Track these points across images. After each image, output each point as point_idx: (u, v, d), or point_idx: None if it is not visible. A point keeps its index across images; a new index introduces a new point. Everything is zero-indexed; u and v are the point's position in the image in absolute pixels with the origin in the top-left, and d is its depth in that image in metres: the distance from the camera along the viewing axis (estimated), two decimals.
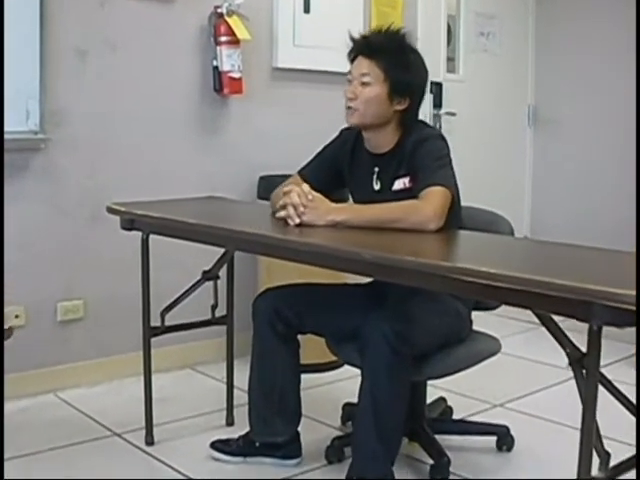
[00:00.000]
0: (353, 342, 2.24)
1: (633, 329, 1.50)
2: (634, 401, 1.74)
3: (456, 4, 4.74)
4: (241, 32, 3.47)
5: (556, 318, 1.68)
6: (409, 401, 2.25)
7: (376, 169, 2.40)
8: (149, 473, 2.51)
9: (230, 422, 2.89)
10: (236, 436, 2.62)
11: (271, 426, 2.51)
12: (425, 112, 4.38)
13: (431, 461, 2.50)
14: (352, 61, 2.37)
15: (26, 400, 3.05)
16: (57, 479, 2.42)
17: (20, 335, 3.06)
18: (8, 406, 2.79)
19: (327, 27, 3.78)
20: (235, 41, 3.47)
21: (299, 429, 2.55)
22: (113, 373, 3.31)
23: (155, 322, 2.66)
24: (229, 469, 2.54)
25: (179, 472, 2.51)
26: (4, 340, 2.69)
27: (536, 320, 1.71)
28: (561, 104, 5.04)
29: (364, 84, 2.30)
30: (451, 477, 2.45)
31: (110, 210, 2.61)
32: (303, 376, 2.55)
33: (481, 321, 2.56)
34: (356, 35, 2.37)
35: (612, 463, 1.63)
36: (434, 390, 2.85)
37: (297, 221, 2.18)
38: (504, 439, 2.68)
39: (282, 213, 2.22)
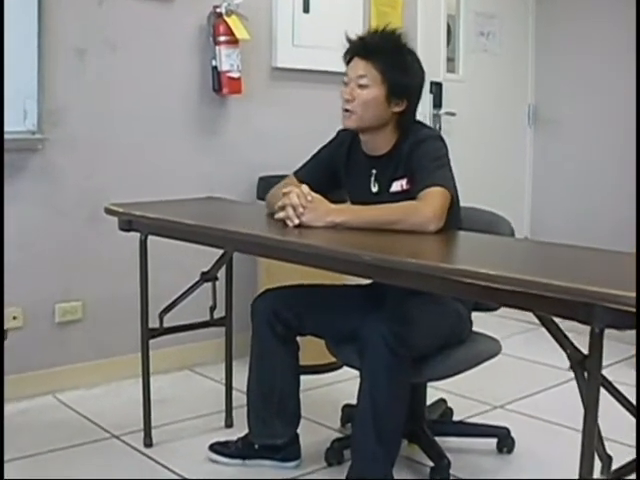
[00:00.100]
0: (352, 344, 2.23)
1: (633, 330, 1.49)
2: (634, 402, 1.73)
3: (456, 4, 4.73)
4: (240, 32, 3.46)
5: (556, 319, 1.67)
6: (409, 402, 2.24)
7: (374, 171, 2.38)
8: (147, 475, 2.50)
9: (229, 424, 2.88)
10: (235, 438, 2.61)
11: (270, 428, 2.50)
12: (425, 112, 4.37)
13: (431, 463, 2.48)
14: (348, 62, 2.35)
15: (24, 402, 3.04)
16: (56, 479, 2.42)
17: (18, 337, 3.06)
18: (6, 408, 2.77)
19: (326, 27, 3.76)
20: (234, 41, 3.46)
21: (298, 431, 2.54)
22: (111, 375, 3.30)
23: (153, 323, 2.65)
24: (228, 471, 2.53)
25: (178, 474, 2.50)
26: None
27: (536, 321, 1.70)
28: (561, 104, 5.03)
29: (361, 86, 2.28)
30: (451, 479, 2.43)
31: (108, 211, 2.60)
32: (302, 377, 2.54)
33: (481, 322, 2.55)
34: (352, 36, 2.34)
35: (613, 466, 1.62)
36: (434, 391, 2.84)
37: (296, 222, 2.16)
38: (504, 441, 2.67)
39: (281, 214, 2.20)
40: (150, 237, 2.55)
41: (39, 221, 3.13)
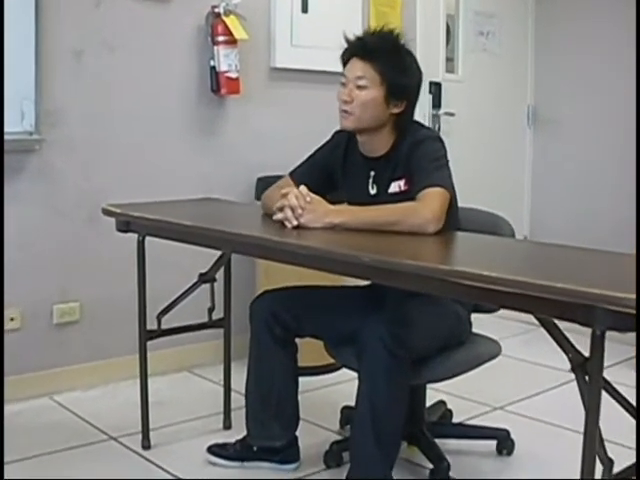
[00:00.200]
0: (351, 345, 2.22)
1: (634, 332, 1.48)
2: (634, 403, 1.71)
3: (455, 3, 4.72)
4: (238, 32, 3.45)
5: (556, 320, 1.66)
6: (408, 404, 2.22)
7: (372, 173, 2.37)
8: (146, 478, 2.48)
9: (227, 426, 2.86)
10: (233, 440, 2.59)
11: (268, 430, 2.49)
12: (424, 112, 4.37)
13: (430, 465, 2.48)
14: (345, 63, 2.33)
15: (21, 403, 3.02)
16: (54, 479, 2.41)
17: (15, 338, 3.05)
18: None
19: (325, 27, 3.75)
20: (232, 41, 3.45)
21: (297, 433, 2.53)
22: (109, 376, 3.29)
23: (151, 325, 2.64)
24: (226, 474, 2.52)
25: (176, 477, 2.49)
26: None
27: (536, 321, 1.69)
28: (561, 104, 5.02)
29: (360, 87, 2.26)
30: None
31: (105, 212, 2.59)
32: (301, 379, 2.53)
33: (480, 323, 2.54)
34: (350, 36, 2.32)
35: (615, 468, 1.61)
36: (434, 393, 2.82)
37: (295, 223, 2.15)
38: (504, 443, 2.66)
39: (279, 215, 2.19)
40: (148, 238, 2.54)
41: (37, 222, 3.12)
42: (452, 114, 4.55)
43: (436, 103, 4.50)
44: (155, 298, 2.66)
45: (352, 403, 2.24)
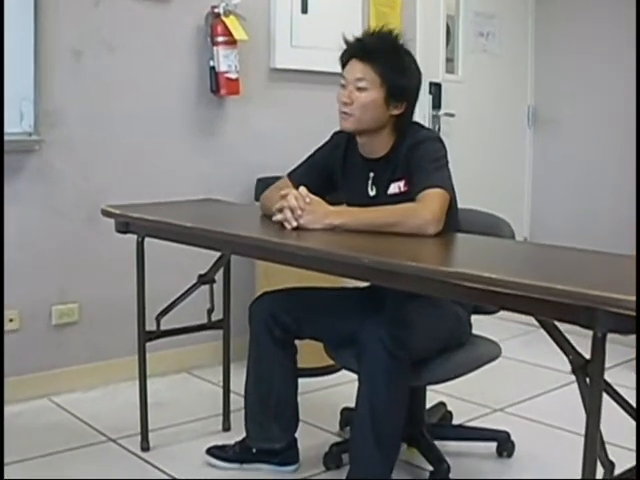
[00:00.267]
0: (351, 347, 2.21)
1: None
2: (634, 404, 1.71)
3: (455, 4, 4.71)
4: (238, 32, 3.44)
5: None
6: (408, 406, 2.21)
7: (371, 175, 2.36)
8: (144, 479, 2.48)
9: (227, 427, 2.85)
10: (232, 442, 2.59)
11: (268, 432, 2.48)
12: (424, 113, 4.36)
13: (430, 467, 2.47)
14: (344, 64, 2.31)
15: (20, 405, 3.01)
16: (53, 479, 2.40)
17: (14, 339, 3.04)
18: None
19: (325, 27, 3.74)
20: (232, 41, 3.44)
21: (296, 435, 2.52)
22: (108, 377, 3.28)
23: (151, 326, 2.63)
24: (225, 476, 2.51)
25: (174, 479, 2.48)
26: None
27: (536, 323, 1.68)
28: (561, 104, 5.02)
29: (360, 89, 2.25)
30: None
31: (105, 213, 2.58)
32: (301, 380, 2.53)
33: (480, 324, 2.53)
34: (349, 37, 2.31)
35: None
36: (434, 394, 2.81)
37: (294, 224, 2.14)
38: (504, 445, 2.65)
39: (279, 216, 2.18)
40: (147, 239, 2.53)
41: (36, 222, 3.11)
42: (452, 115, 4.55)
43: (436, 104, 4.49)
44: (154, 299, 2.65)
45: (352, 405, 2.24)
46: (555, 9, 4.96)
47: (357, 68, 2.26)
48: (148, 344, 2.64)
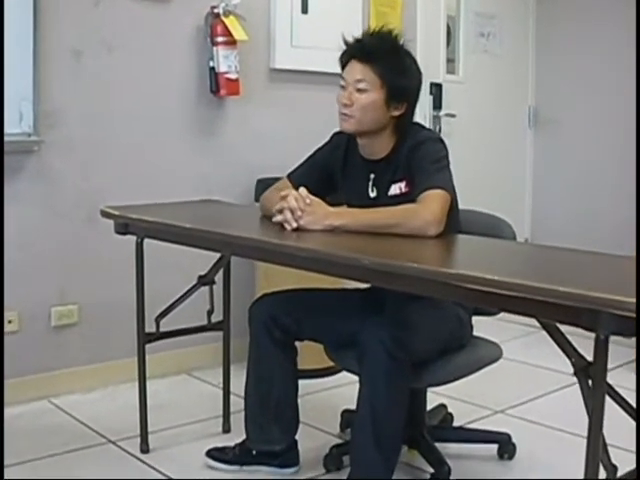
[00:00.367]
0: (351, 349, 2.20)
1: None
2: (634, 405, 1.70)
3: (456, 4, 4.71)
4: (238, 33, 3.43)
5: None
6: (409, 408, 2.21)
7: (372, 176, 2.35)
8: None
9: (227, 429, 2.84)
10: (232, 444, 2.58)
11: (268, 434, 2.47)
12: (425, 114, 4.35)
13: (431, 469, 2.46)
14: (344, 65, 2.30)
15: (19, 406, 3.00)
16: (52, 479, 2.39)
17: (13, 341, 3.03)
18: None
19: (325, 28, 3.73)
20: (232, 42, 3.43)
21: (297, 437, 2.51)
22: (108, 379, 3.27)
23: (150, 328, 2.62)
24: (225, 478, 2.50)
25: None
26: None
27: (537, 324, 1.67)
28: (562, 105, 5.01)
29: (360, 90, 2.24)
30: None
31: (104, 214, 2.57)
32: (301, 382, 2.52)
33: (481, 325, 2.52)
34: (349, 38, 2.30)
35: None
36: (434, 396, 2.80)
37: (294, 225, 2.14)
38: (505, 447, 2.64)
39: (279, 217, 2.18)
40: (147, 240, 2.52)
41: (35, 223, 3.10)
42: (453, 115, 4.54)
43: (437, 104, 4.49)
44: (154, 300, 2.64)
45: (352, 406, 2.23)
46: (556, 9, 4.96)
47: (357, 69, 2.25)
48: (148, 345, 2.63)
